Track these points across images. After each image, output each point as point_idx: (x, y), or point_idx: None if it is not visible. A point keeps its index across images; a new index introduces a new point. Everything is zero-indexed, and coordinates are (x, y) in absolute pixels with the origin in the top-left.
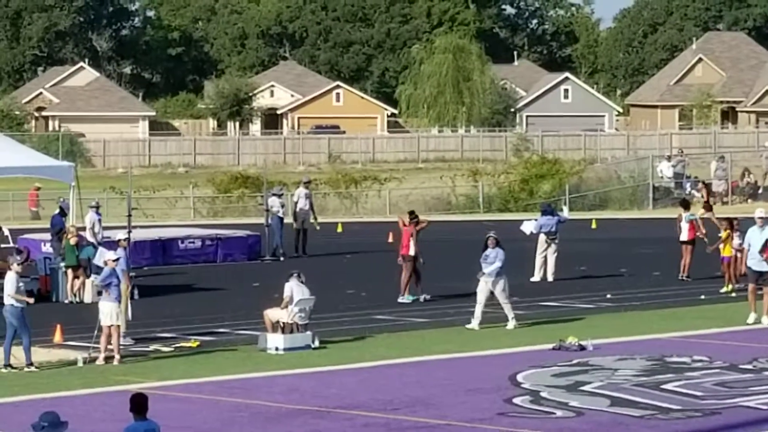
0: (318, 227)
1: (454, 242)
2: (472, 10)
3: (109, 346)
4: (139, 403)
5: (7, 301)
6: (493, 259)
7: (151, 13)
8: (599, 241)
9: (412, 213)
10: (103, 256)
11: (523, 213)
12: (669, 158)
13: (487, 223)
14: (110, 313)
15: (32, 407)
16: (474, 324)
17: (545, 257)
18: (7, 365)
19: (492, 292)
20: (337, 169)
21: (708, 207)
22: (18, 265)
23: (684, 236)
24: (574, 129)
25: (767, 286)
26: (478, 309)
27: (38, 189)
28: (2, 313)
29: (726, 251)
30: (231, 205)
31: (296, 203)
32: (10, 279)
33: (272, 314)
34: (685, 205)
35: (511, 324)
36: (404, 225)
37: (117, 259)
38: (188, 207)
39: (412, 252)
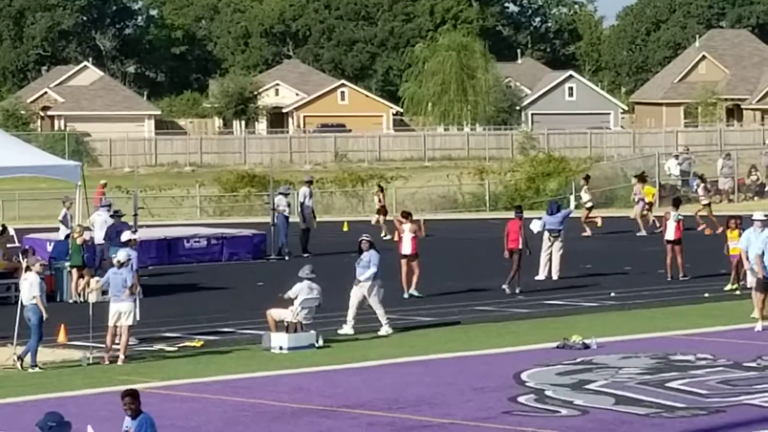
0: (314, 226)
1: (460, 240)
2: (475, 8)
3: (115, 346)
4: (133, 396)
5: (30, 301)
6: (366, 264)
7: (154, 12)
8: (604, 239)
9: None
10: (116, 256)
11: (530, 211)
12: (677, 156)
13: (493, 222)
14: (127, 312)
15: (37, 407)
16: (347, 328)
17: (550, 255)
18: (35, 365)
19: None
20: (343, 167)
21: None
22: (40, 265)
23: (670, 235)
24: (579, 127)
25: None
26: (351, 313)
27: (104, 185)
28: (25, 313)
29: (735, 249)
30: (237, 204)
31: (301, 203)
32: (34, 281)
33: (276, 313)
34: (676, 203)
35: (384, 330)
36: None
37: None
38: (194, 206)
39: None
